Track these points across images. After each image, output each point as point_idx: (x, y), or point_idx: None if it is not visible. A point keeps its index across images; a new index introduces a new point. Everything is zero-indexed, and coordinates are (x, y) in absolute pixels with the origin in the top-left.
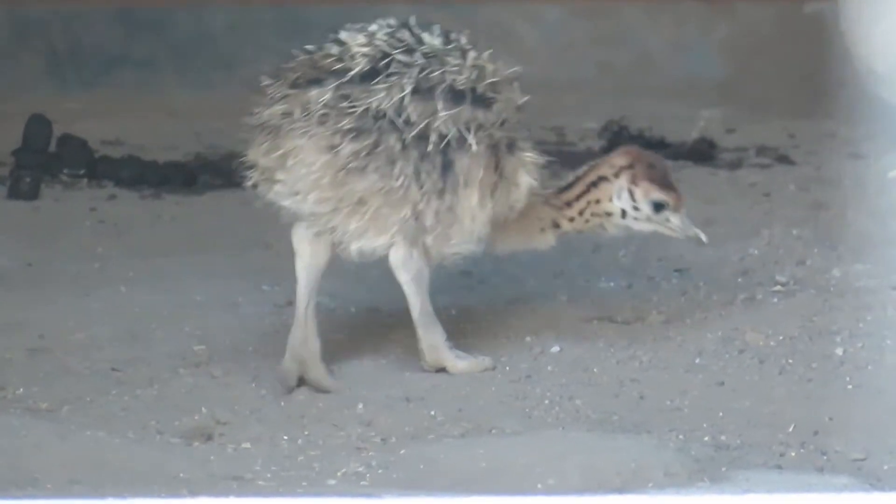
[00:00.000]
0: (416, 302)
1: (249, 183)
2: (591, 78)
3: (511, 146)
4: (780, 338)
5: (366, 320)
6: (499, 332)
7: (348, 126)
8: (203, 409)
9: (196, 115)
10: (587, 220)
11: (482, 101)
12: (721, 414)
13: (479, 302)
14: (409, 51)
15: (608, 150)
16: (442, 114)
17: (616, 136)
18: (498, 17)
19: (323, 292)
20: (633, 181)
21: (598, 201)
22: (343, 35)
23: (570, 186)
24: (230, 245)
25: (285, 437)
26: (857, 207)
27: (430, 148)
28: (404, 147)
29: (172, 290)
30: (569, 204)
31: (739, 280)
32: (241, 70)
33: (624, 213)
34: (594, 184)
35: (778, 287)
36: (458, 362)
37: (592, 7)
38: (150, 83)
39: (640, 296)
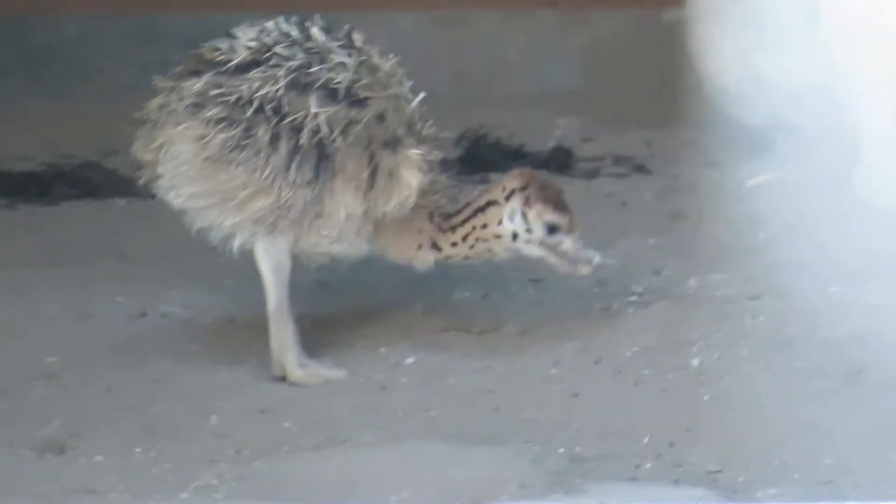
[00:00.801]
0: (273, 295)
1: (141, 182)
2: (446, 87)
3: (393, 144)
4: (636, 348)
5: (221, 330)
6: (354, 342)
7: (218, 115)
8: (56, 421)
9: (50, 124)
10: (472, 246)
11: (358, 100)
12: (577, 425)
13: (334, 312)
14: (293, 46)
15: (465, 158)
16: (314, 109)
17: (474, 146)
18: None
19: (177, 302)
20: (527, 203)
21: (484, 226)
22: (237, 30)
23: (459, 211)
24: (85, 255)
25: (138, 450)
26: (715, 217)
27: (302, 141)
28: (275, 139)
29: (26, 301)
30: (453, 228)
31: (596, 290)
32: (96, 79)
33: (515, 236)
34: (482, 209)
35: (634, 297)
36: (297, 371)
37: (446, 16)
38: (2, 92)
39: (495, 306)
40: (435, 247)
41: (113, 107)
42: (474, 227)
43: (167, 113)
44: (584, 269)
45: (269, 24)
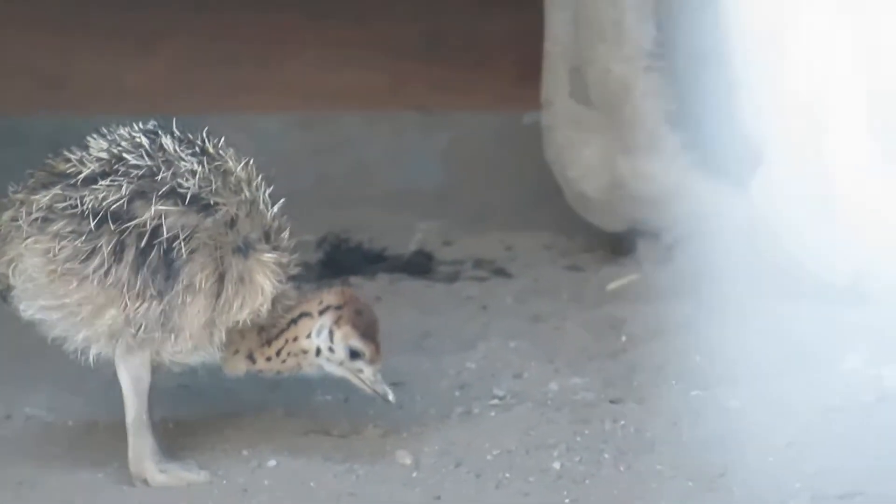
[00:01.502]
0: (132, 407)
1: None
2: (309, 188)
3: (245, 249)
4: (497, 452)
5: (84, 433)
6: (216, 444)
7: (64, 229)
8: None
9: None
10: (284, 361)
11: (205, 205)
12: None
13: (196, 415)
14: (142, 155)
15: (325, 262)
16: (156, 215)
17: (335, 249)
18: (216, 128)
19: (40, 404)
20: (337, 322)
21: (295, 338)
22: (90, 139)
23: (276, 324)
24: None
25: None
26: (575, 320)
27: (145, 249)
28: (119, 249)
29: None
30: (269, 342)
31: (457, 393)
32: None
33: (319, 351)
34: (295, 321)
35: (495, 400)
36: (158, 476)
37: (309, 116)
38: None
39: (356, 409)
40: (250, 357)
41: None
42: (287, 340)
43: (16, 227)
44: (387, 398)
45: (123, 132)
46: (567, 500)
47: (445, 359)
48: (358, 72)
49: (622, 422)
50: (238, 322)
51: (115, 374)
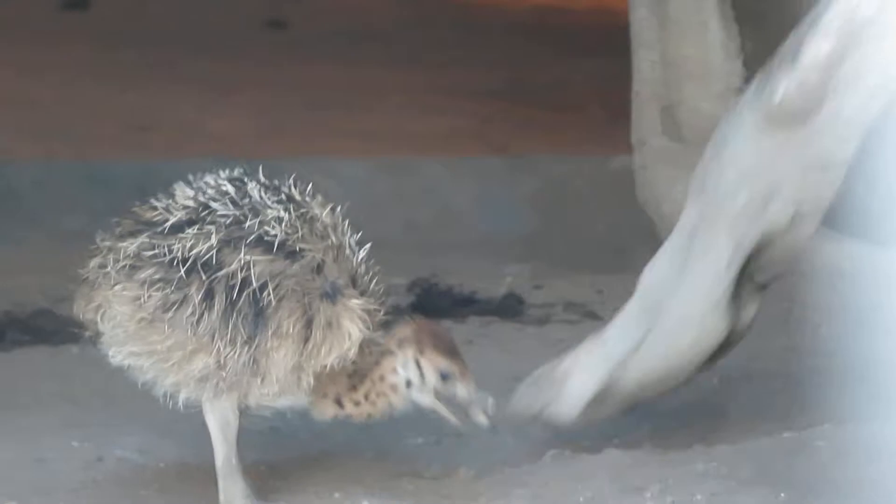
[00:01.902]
0: (220, 451)
1: (87, 335)
2: (396, 234)
3: (332, 294)
4: (589, 494)
5: (175, 475)
6: (307, 487)
7: (152, 277)
8: None
9: (2, 271)
10: (374, 403)
11: (292, 251)
12: None
13: (288, 458)
14: (228, 203)
15: (416, 306)
16: (246, 263)
17: (425, 293)
18: (302, 173)
19: (132, 447)
20: (420, 350)
21: (381, 377)
22: (175, 187)
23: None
24: (38, 401)
25: None
26: None
27: (235, 297)
28: (209, 296)
29: None
30: (356, 387)
31: (548, 436)
32: (47, 225)
33: (409, 384)
34: (377, 361)
35: (587, 442)
36: None
37: (394, 163)
38: None
39: (448, 452)
40: (338, 402)
41: (64, 253)
42: (373, 382)
43: (104, 274)
44: (480, 418)
45: (208, 180)
46: None
47: None
48: (443, 117)
49: (714, 463)
50: (325, 367)
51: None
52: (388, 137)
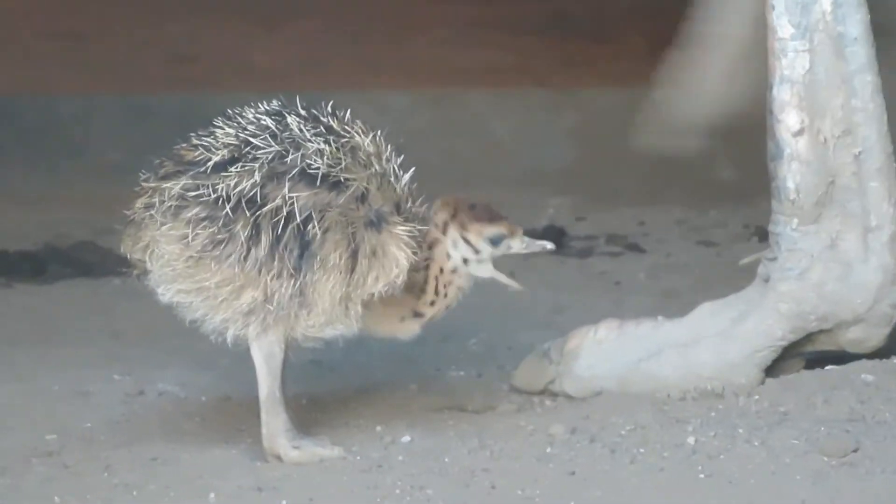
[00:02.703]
0: (265, 384)
1: (134, 274)
2: (438, 166)
3: (377, 223)
4: (631, 427)
5: (216, 409)
6: (349, 420)
7: (198, 215)
8: (56, 498)
9: (44, 203)
10: (446, 294)
11: (336, 182)
12: (573, 503)
13: (329, 391)
14: (269, 137)
15: None
16: (289, 196)
17: None
18: (344, 105)
19: (173, 380)
20: (463, 227)
21: (441, 270)
22: (215, 125)
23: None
24: (80, 334)
25: None
26: (708, 295)
27: (280, 231)
28: (255, 232)
29: (23, 380)
30: (423, 290)
31: None
32: (90, 158)
33: (466, 261)
34: (429, 256)
35: None
36: (292, 452)
37: (438, 95)
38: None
39: (490, 385)
40: (416, 315)
41: (106, 186)
42: (436, 277)
43: (150, 215)
44: (545, 246)
45: (248, 115)
46: (702, 475)
47: None
48: (486, 50)
49: (756, 397)
50: (374, 294)
51: (247, 351)
52: (431, 70)
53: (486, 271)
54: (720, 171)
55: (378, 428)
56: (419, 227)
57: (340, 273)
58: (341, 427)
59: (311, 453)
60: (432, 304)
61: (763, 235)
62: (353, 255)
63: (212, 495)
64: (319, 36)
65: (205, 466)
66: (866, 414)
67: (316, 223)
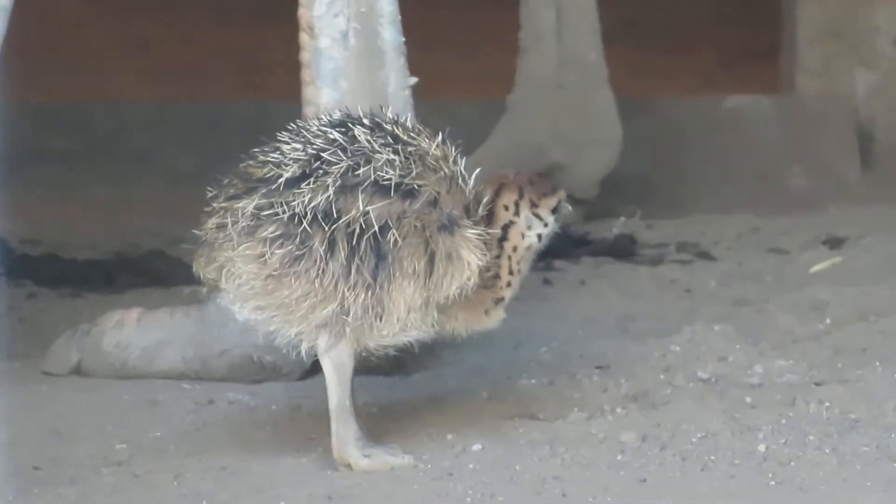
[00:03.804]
0: (335, 394)
1: (205, 292)
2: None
3: (449, 226)
4: (702, 435)
5: (287, 418)
6: (420, 429)
7: (274, 233)
8: None
9: (115, 211)
10: (520, 271)
11: (408, 191)
12: None
13: (399, 399)
14: (338, 150)
15: None
16: (363, 208)
17: None
18: (418, 114)
19: (243, 389)
20: (532, 205)
21: (515, 248)
22: (281, 141)
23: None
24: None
25: None
26: (779, 303)
27: (356, 243)
28: (331, 246)
29: (94, 389)
30: (497, 277)
31: (661, 377)
32: (159, 166)
33: (540, 237)
34: (504, 238)
35: (700, 383)
36: (363, 461)
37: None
38: (67, 179)
39: (561, 393)
40: (498, 301)
41: (176, 194)
42: (509, 258)
43: (224, 235)
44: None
45: (314, 129)
46: (773, 483)
47: (650, 342)
48: None
49: (827, 404)
50: (448, 297)
51: (317, 360)
52: (503, 78)
53: (547, 241)
54: (790, 179)
55: (449, 436)
56: (489, 231)
57: (419, 279)
58: (412, 436)
59: (382, 462)
60: (509, 284)
61: (833, 243)
62: (430, 260)
63: None
64: None
65: (275, 476)
66: None
67: (395, 232)
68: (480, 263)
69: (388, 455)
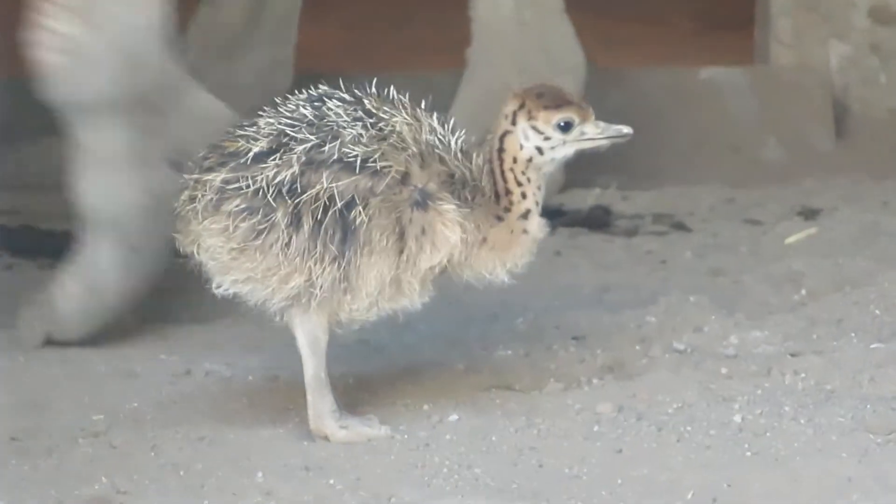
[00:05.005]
0: (310, 367)
1: (193, 266)
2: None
3: (423, 202)
4: (678, 405)
5: (263, 389)
6: (397, 400)
7: (237, 207)
8: (103, 478)
9: None
10: (529, 180)
11: (375, 171)
12: (619, 481)
13: (376, 370)
14: (308, 127)
15: None
16: (326, 184)
17: None
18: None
19: (220, 360)
20: (530, 116)
21: (515, 160)
22: (260, 115)
23: (494, 184)
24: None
25: None
26: (754, 274)
27: (321, 216)
28: (296, 220)
29: (71, 360)
30: (507, 192)
31: (637, 347)
32: None
33: (540, 151)
34: (502, 149)
35: (676, 354)
36: (339, 432)
37: None
38: (45, 152)
39: (537, 364)
40: (524, 215)
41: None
42: (512, 171)
43: (194, 208)
44: (622, 129)
45: (290, 105)
46: (748, 453)
47: (625, 313)
48: None
49: (802, 375)
50: (433, 269)
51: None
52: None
53: (567, 152)
54: (765, 151)
55: (425, 407)
56: (468, 200)
57: (387, 256)
58: (388, 406)
59: (359, 433)
60: (524, 196)
61: (808, 214)
62: (401, 237)
63: (259, 475)
64: (364, 19)
65: (252, 446)
66: None
67: (361, 209)
68: (461, 236)
69: (365, 426)
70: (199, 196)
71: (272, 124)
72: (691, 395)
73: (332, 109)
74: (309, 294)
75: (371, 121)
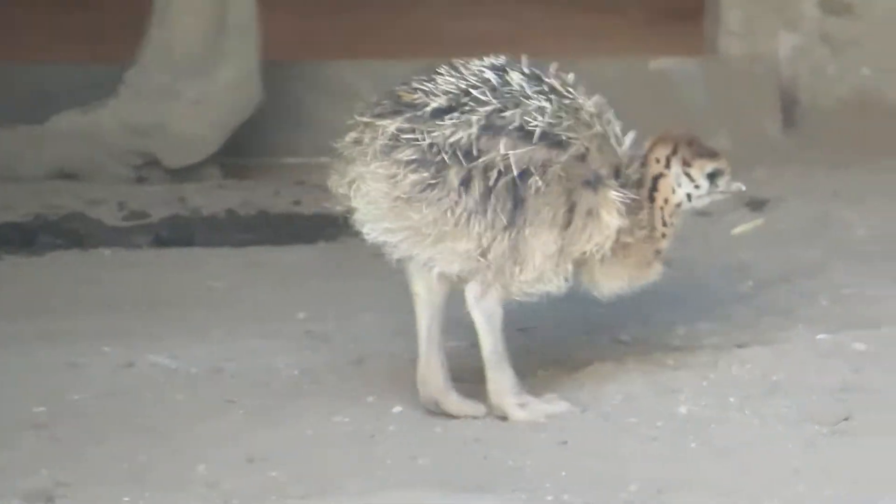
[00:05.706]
0: (488, 342)
1: (340, 211)
2: None
3: (594, 183)
4: (623, 396)
5: (207, 381)
6: (341, 391)
7: (409, 157)
8: (44, 470)
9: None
10: (673, 223)
11: (557, 141)
12: (564, 473)
13: (322, 362)
14: (490, 91)
15: None
16: (503, 151)
17: None
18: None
19: (164, 352)
20: (685, 163)
21: (666, 201)
22: (441, 71)
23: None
24: (70, 306)
25: (126, 499)
26: (702, 264)
27: (493, 184)
28: (467, 182)
29: (13, 352)
30: (653, 228)
31: (583, 338)
32: None
33: (690, 197)
34: (654, 188)
35: (622, 345)
36: (519, 412)
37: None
38: None
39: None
40: (657, 252)
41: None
42: (661, 209)
43: (360, 150)
44: (737, 186)
45: (473, 67)
46: (693, 445)
47: (573, 304)
48: (484, 19)
49: (749, 366)
50: (585, 252)
51: (239, 321)
52: (427, 40)
53: (704, 202)
54: (715, 141)
55: (370, 398)
56: (632, 196)
57: (554, 229)
58: (332, 397)
59: (539, 410)
60: (664, 236)
61: (756, 205)
62: (570, 211)
63: (201, 467)
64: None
65: (195, 437)
66: (858, 383)
67: (538, 178)
68: (620, 225)
69: (545, 404)
70: (368, 139)
71: (452, 83)
72: (637, 387)
73: (515, 79)
74: (484, 267)
75: (555, 96)
